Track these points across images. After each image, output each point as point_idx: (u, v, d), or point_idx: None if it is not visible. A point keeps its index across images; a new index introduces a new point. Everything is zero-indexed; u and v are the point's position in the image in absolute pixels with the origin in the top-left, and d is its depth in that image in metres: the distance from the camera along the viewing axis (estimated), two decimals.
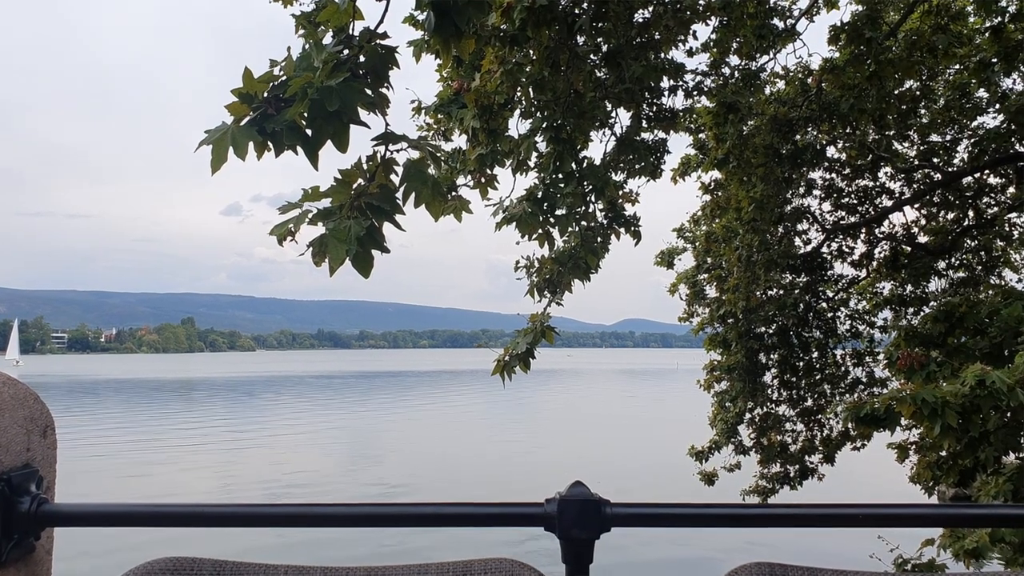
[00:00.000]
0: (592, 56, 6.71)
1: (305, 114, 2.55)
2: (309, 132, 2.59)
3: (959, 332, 7.90)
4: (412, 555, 14.83)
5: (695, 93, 8.86)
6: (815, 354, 12.72)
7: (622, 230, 7.13)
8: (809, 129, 10.71)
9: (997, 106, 10.67)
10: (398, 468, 27.34)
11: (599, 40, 6.68)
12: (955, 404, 5.49)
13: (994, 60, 9.09)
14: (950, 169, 11.97)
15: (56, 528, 1.33)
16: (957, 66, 10.57)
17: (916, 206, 12.62)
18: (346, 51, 2.72)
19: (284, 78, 2.62)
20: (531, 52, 6.01)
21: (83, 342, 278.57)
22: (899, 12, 9.46)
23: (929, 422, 5.57)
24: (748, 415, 12.49)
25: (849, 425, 7.22)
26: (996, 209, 12.13)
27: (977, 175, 11.85)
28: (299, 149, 2.60)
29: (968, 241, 12.38)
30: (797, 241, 12.66)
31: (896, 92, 10.25)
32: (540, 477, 23.85)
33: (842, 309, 13.12)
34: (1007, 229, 12.08)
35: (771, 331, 12.48)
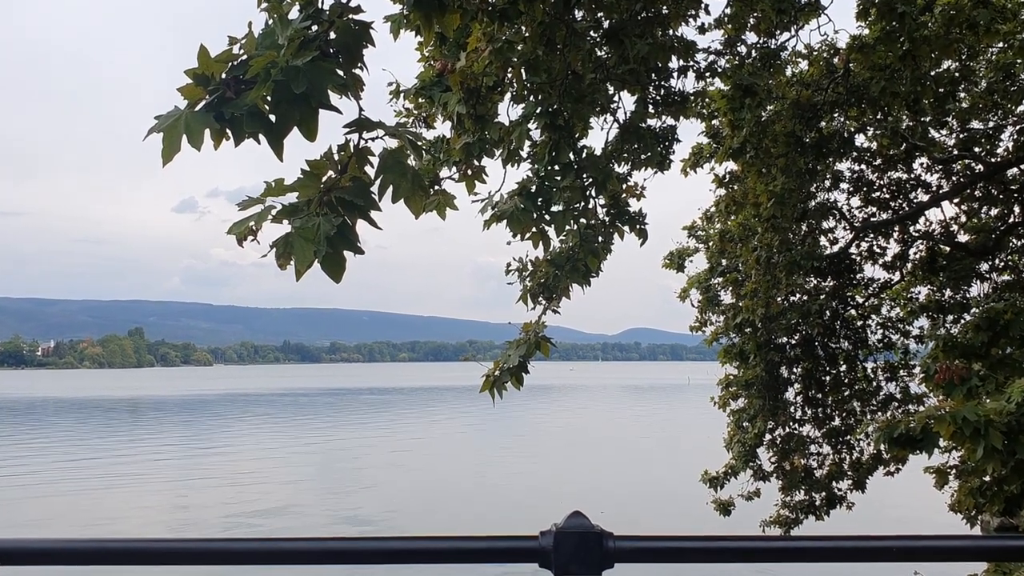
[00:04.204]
0: (592, 33, 6.71)
1: (268, 98, 2.54)
2: (273, 118, 2.58)
3: (1004, 342, 7.93)
4: None
5: (707, 74, 8.88)
6: (843, 367, 12.75)
7: (626, 228, 7.14)
8: (835, 115, 10.74)
9: None
10: (376, 498, 27.26)
11: (599, 15, 6.69)
12: (1000, 423, 5.50)
13: None
14: (993, 160, 12.03)
15: None
16: (1000, 44, 10.62)
17: (955, 201, 12.68)
18: (315, 27, 2.71)
19: (244, 57, 2.61)
20: (523, 28, 6.01)
21: (17, 356, 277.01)
22: None
23: (971, 443, 5.59)
24: (768, 436, 12.50)
25: (881, 447, 7.23)
26: None
27: (1023, 166, 11.92)
28: (261, 137, 2.59)
29: (1014, 240, 12.43)
30: (822, 240, 12.71)
31: (932, 73, 10.29)
32: (535, 507, 23.82)
33: (873, 317, 13.16)
34: None
35: (794, 341, 12.49)
